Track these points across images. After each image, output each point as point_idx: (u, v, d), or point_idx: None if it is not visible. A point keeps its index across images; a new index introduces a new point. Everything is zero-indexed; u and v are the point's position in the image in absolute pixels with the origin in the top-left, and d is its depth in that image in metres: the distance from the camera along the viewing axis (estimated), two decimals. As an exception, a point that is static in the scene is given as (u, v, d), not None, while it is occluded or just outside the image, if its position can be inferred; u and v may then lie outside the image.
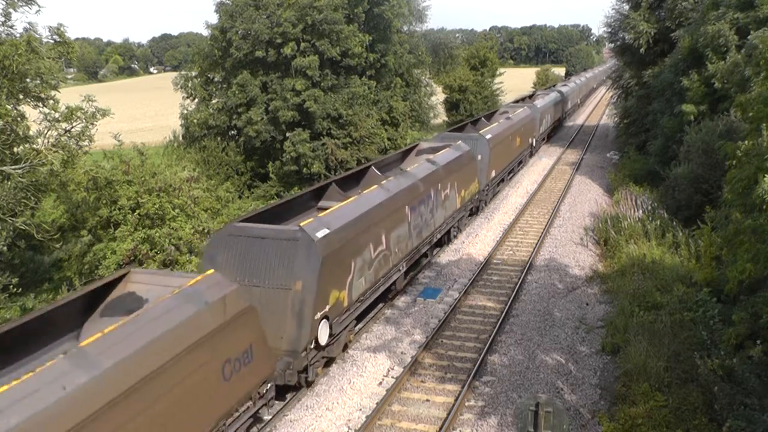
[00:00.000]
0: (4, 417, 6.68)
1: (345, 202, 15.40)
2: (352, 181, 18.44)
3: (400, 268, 17.47)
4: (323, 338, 12.89)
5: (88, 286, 10.46)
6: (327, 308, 12.99)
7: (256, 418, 11.47)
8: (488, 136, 27.17)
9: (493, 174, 27.90)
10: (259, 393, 11.10)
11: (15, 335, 8.39)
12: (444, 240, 22.28)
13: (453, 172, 22.06)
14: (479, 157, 25.66)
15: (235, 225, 13.34)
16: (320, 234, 12.99)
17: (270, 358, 11.40)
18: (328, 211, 14.45)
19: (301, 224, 13.00)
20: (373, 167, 19.33)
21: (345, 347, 14.67)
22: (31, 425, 6.82)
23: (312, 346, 12.64)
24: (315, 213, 15.46)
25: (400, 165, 21.90)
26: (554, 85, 66.57)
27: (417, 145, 24.67)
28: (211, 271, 10.86)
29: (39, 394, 7.10)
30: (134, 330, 8.58)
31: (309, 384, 13.19)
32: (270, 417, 12.07)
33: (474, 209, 26.08)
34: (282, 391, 12.67)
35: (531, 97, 48.76)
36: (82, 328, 9.63)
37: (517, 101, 46.57)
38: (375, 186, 17.10)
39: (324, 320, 12.89)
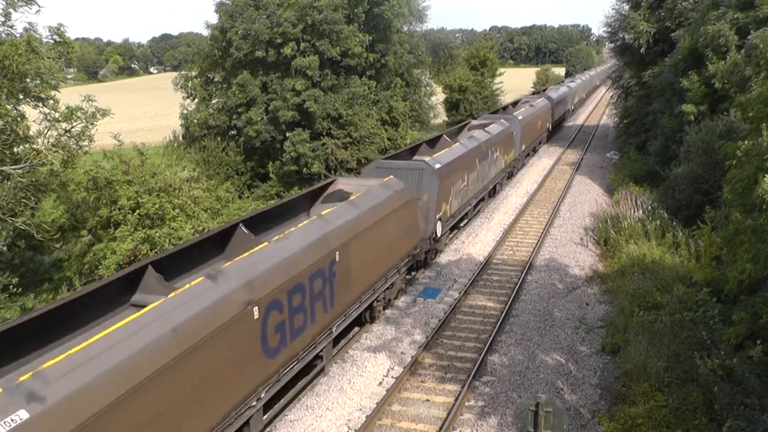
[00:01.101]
0: (333, 221, 13.44)
1: (442, 151, 22.55)
2: (430, 144, 25.10)
3: (471, 203, 24.77)
4: (439, 231, 20.28)
5: (308, 188, 17.92)
6: (440, 214, 20.20)
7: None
8: (520, 117, 34.98)
9: (523, 147, 35.50)
10: (412, 254, 18.24)
11: (274, 212, 14.37)
12: (491, 192, 29.08)
13: (500, 141, 29.50)
14: (514, 132, 32.93)
15: (379, 161, 20.61)
16: (437, 166, 20.25)
17: (418, 234, 18.45)
18: (436, 154, 21.94)
19: (425, 159, 20.42)
20: (444, 135, 26.05)
21: (443, 248, 22.01)
22: (340, 231, 13.42)
23: (432, 237, 19.74)
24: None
25: (458, 136, 28.49)
26: (563, 81, 77.17)
27: (469, 122, 32.43)
28: (392, 176, 17.62)
29: (343, 216, 13.93)
30: (369, 197, 15.60)
31: (426, 265, 20.26)
32: (411, 277, 19.35)
33: (510, 173, 33.38)
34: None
35: (545, 90, 57.41)
36: (309, 211, 15.92)
37: (535, 93, 55.59)
38: (457, 143, 24.59)
39: (438, 221, 20.13)
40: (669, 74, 28.62)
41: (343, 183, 17.14)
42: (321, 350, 13.15)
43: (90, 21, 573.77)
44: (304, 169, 33.06)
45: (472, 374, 13.30)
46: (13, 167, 16.54)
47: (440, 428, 11.60)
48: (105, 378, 7.58)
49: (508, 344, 15.10)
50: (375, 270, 15.35)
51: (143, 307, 9.04)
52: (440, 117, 56.01)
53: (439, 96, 51.59)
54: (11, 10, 17.14)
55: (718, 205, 16.74)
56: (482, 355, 14.12)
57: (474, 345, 15.04)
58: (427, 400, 12.75)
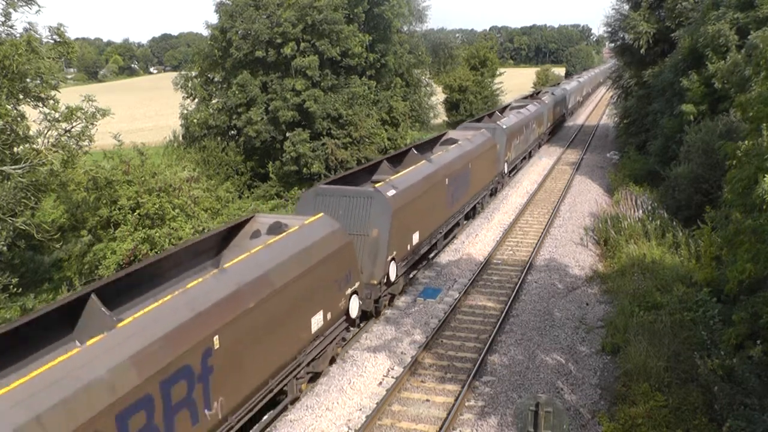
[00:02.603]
0: (465, 148, 24.01)
1: (501, 120, 32.46)
2: (489, 116, 35.15)
3: (519, 157, 35.35)
4: (506, 169, 31.24)
5: (429, 136, 29.83)
6: (506, 157, 30.73)
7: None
8: (546, 102, 46.52)
9: (549, 124, 47.36)
10: (493, 181, 28.68)
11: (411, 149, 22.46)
12: (529, 154, 39.51)
13: (536, 117, 40.65)
14: (543, 112, 43.84)
15: (466, 123, 32.44)
16: (505, 126, 30.95)
17: (497, 168, 29.10)
18: (500, 120, 32.11)
19: (497, 122, 31.09)
20: (496, 111, 37.11)
21: (507, 182, 32.60)
22: (469, 154, 24.07)
23: (502, 172, 30.44)
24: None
25: (504, 112, 37.92)
26: (572, 77, 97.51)
27: (510, 103, 43.98)
28: (483, 129, 28.26)
29: (468, 146, 24.62)
30: (476, 138, 26.15)
31: (499, 191, 30.90)
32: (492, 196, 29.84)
33: (540, 143, 43.97)
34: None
35: (559, 83, 73.71)
36: (432, 149, 24.62)
37: (553, 86, 69.14)
38: (511, 114, 35.74)
39: (506, 162, 30.78)
40: (669, 74, 28.62)
41: (452, 134, 27.38)
42: (458, 219, 23.08)
43: (90, 21, 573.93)
44: (304, 169, 33.05)
45: (472, 374, 13.30)
46: (13, 167, 16.54)
47: (440, 428, 11.60)
48: (412, 185, 17.82)
49: (508, 344, 15.10)
50: (481, 182, 25.96)
51: (379, 182, 16.97)
52: (440, 117, 55.97)
53: (439, 96, 51.56)
54: (11, 10, 17.13)
55: (718, 205, 16.73)
56: (482, 355, 14.12)
57: (474, 345, 15.04)
58: (427, 400, 12.75)
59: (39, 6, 17.42)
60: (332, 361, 13.98)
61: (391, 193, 16.37)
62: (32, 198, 17.59)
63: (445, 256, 21.66)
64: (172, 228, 19.55)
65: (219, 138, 34.52)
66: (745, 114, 11.22)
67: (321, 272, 12.43)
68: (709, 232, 16.98)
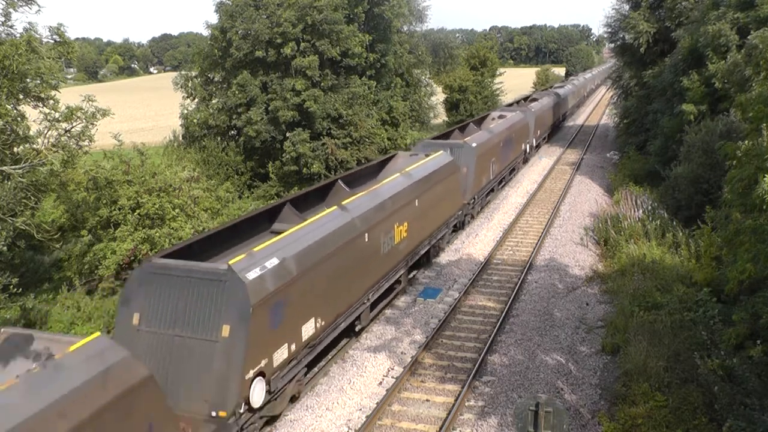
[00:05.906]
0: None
1: (563, 88, 60.30)
2: (545, 90, 60.66)
3: (567, 114, 61.24)
4: (561, 118, 56.05)
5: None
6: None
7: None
8: (577, 83, 69.31)
9: (573, 103, 63.02)
10: (557, 121, 53.78)
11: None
12: (567, 113, 60.83)
13: (573, 92, 62.50)
14: (570, 93, 61.23)
15: (539, 90, 64.32)
16: (561, 93, 55.14)
17: (558, 116, 53.81)
18: (557, 89, 58.48)
19: (556, 90, 56.32)
20: (548, 87, 64.32)
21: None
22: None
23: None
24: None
25: (553, 88, 59.00)
26: (577, 74, 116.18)
27: (553, 84, 67.94)
28: (559, 92, 55.49)
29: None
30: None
31: (556, 133, 53.17)
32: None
33: (574, 109, 63.68)
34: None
35: (577, 75, 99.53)
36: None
37: (566, 80, 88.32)
38: (559, 89, 58.11)
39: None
40: (669, 74, 28.61)
41: (535, 95, 48.61)
42: (540, 142, 43.12)
43: (90, 21, 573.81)
44: (304, 169, 33.01)
45: (472, 374, 13.30)
46: (13, 167, 16.52)
47: (440, 428, 11.61)
48: (537, 107, 41.94)
49: (508, 344, 15.10)
50: (551, 120, 47.58)
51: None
52: (440, 117, 55.91)
53: (439, 96, 51.52)
54: (11, 10, 17.10)
55: (718, 205, 16.72)
56: (482, 355, 14.12)
57: (474, 345, 15.04)
58: (427, 400, 12.75)
59: (39, 6, 17.38)
60: (515, 170, 33.69)
61: (533, 110, 38.09)
62: (32, 198, 17.56)
63: (445, 256, 21.66)
64: (172, 228, 19.53)
65: (219, 138, 34.48)
66: (745, 114, 11.22)
67: (521, 131, 33.68)
68: (709, 232, 16.99)
